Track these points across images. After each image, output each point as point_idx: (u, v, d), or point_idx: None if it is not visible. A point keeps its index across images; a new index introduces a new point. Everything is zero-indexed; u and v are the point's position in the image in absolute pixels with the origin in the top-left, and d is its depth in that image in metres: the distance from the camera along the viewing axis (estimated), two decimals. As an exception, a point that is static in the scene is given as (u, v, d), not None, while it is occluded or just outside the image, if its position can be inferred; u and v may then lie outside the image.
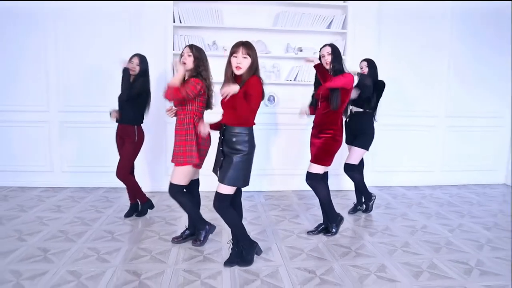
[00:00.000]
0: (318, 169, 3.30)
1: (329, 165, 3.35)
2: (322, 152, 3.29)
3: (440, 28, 5.14)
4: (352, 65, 4.86)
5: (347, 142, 4.00)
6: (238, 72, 2.60)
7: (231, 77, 2.64)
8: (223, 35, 4.73)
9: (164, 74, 4.60)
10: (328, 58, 3.26)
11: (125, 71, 3.54)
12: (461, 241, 3.36)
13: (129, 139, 3.65)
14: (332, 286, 2.56)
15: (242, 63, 2.58)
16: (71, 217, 3.79)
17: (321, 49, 3.34)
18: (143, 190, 3.95)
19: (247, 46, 2.60)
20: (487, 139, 5.43)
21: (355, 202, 4.18)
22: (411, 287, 2.55)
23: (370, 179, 5.00)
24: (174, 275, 2.65)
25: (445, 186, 5.32)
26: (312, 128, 3.42)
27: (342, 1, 4.84)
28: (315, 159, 3.32)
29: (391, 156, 5.20)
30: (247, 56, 2.59)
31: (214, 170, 2.79)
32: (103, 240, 3.23)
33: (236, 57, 2.59)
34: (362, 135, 3.90)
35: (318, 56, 3.36)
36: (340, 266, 2.84)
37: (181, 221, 3.73)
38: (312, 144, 3.40)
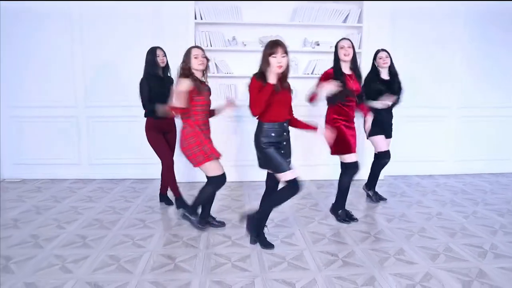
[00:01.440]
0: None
1: None
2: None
3: (453, 24, 5.24)
4: (368, 58, 5.00)
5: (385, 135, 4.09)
6: (279, 71, 2.80)
7: (276, 77, 2.80)
8: (243, 31, 4.89)
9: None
10: (349, 52, 3.40)
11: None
12: (476, 227, 3.50)
13: (174, 131, 3.86)
14: (354, 267, 2.73)
15: (282, 62, 2.78)
16: (103, 206, 4.02)
17: (340, 41, 3.49)
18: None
19: (283, 46, 2.79)
20: (499, 128, 5.53)
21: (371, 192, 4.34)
22: (428, 269, 2.71)
23: (386, 168, 5.15)
24: (206, 258, 2.85)
25: (459, 175, 5.44)
26: (345, 121, 3.51)
27: (357, -4, 4.96)
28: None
29: (406, 146, 5.33)
30: (285, 55, 2.79)
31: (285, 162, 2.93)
32: (136, 228, 3.45)
33: (275, 57, 2.76)
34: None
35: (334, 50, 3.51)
36: (361, 249, 3.02)
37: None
38: (352, 136, 3.53)
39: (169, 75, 3.85)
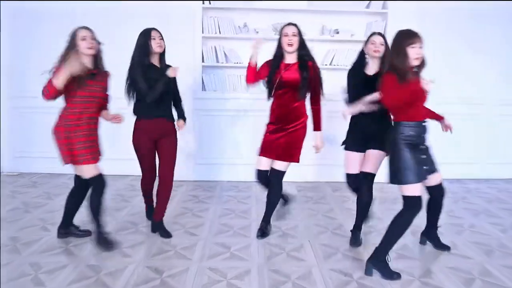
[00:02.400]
0: None
1: None
2: None
3: (490, 16, 4.70)
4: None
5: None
6: (417, 63, 2.37)
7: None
8: (255, 17, 4.48)
9: (193, 58, 4.42)
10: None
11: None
12: (516, 244, 3.01)
13: (173, 135, 3.07)
14: (371, 292, 2.31)
15: (420, 53, 2.38)
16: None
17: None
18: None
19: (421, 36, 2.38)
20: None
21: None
22: (462, 297, 2.26)
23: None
24: (198, 274, 2.47)
25: (492, 180, 4.90)
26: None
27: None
28: None
29: (432, 147, 4.81)
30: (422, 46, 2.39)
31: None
32: (126, 232, 3.10)
33: (414, 47, 2.35)
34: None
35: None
36: (380, 269, 2.58)
37: (208, 213, 3.56)
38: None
39: (167, 64, 3.06)
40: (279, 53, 2.97)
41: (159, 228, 3.05)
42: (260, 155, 3.03)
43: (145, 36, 2.90)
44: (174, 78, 3.02)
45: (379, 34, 2.89)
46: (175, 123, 3.08)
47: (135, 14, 4.45)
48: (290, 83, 2.90)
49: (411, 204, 2.39)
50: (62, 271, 2.46)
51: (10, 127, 4.79)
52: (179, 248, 2.84)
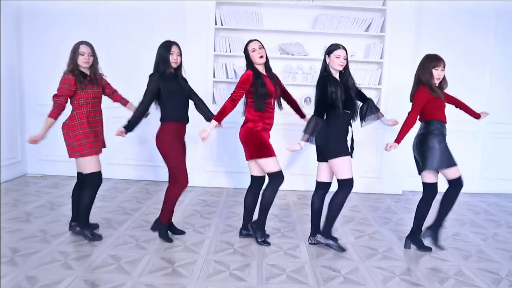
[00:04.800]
0: None
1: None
2: None
3: (482, 34, 5.02)
4: (390, 68, 4.88)
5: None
6: (437, 82, 3.19)
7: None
8: (263, 37, 4.81)
9: (205, 73, 4.83)
10: (262, 52, 3.32)
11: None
12: (494, 251, 3.30)
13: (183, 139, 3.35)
14: (355, 285, 2.63)
15: (441, 75, 3.18)
16: (114, 206, 4.09)
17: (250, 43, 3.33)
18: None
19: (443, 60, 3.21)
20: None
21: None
22: (435, 292, 2.58)
23: (404, 184, 4.99)
24: (205, 265, 2.83)
25: (484, 194, 5.18)
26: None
27: (381, 1, 4.83)
28: None
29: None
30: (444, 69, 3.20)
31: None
32: (142, 229, 3.48)
33: (437, 70, 3.13)
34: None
35: None
36: (366, 267, 2.90)
37: (215, 216, 3.93)
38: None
39: (183, 75, 3.32)
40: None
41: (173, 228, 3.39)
42: (274, 155, 3.18)
43: (165, 49, 3.14)
44: (188, 83, 3.33)
45: (344, 48, 3.12)
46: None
47: (156, 36, 4.89)
48: None
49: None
50: (87, 259, 2.84)
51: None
52: (189, 243, 3.20)
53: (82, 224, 3.19)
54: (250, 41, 3.32)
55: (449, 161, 3.10)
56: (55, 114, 3.07)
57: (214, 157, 5.01)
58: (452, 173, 3.13)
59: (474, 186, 5.22)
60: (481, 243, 3.49)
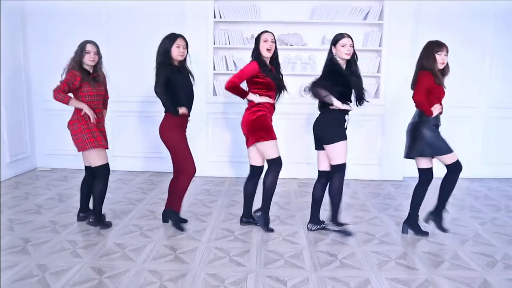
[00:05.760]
0: None
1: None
2: None
3: (482, 21, 5.02)
4: (389, 57, 4.90)
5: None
6: (441, 67, 3.16)
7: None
8: (261, 29, 4.87)
9: (205, 66, 4.90)
10: (272, 46, 3.34)
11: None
12: (491, 235, 3.36)
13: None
14: (351, 269, 2.73)
15: (445, 60, 3.15)
16: (119, 197, 4.22)
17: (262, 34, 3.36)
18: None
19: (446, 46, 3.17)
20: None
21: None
22: (429, 276, 2.64)
23: (405, 170, 5.04)
24: (206, 251, 2.95)
25: (485, 179, 5.22)
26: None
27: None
28: None
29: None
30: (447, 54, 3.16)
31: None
32: (146, 219, 3.60)
33: (440, 54, 3.11)
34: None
35: None
36: (362, 252, 2.99)
37: (217, 204, 4.05)
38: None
39: (188, 68, 3.38)
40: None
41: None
42: (276, 138, 3.24)
43: (170, 40, 3.18)
44: (192, 75, 3.38)
45: (349, 36, 3.11)
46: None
47: (156, 30, 4.97)
48: None
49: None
50: (94, 247, 2.97)
51: (43, 127, 5.38)
52: (191, 231, 3.32)
53: (98, 214, 3.35)
54: (266, 31, 3.35)
55: (446, 149, 3.18)
56: (66, 98, 3.13)
57: (217, 147, 5.11)
58: (448, 158, 3.20)
59: (476, 171, 5.26)
60: (479, 227, 3.54)
